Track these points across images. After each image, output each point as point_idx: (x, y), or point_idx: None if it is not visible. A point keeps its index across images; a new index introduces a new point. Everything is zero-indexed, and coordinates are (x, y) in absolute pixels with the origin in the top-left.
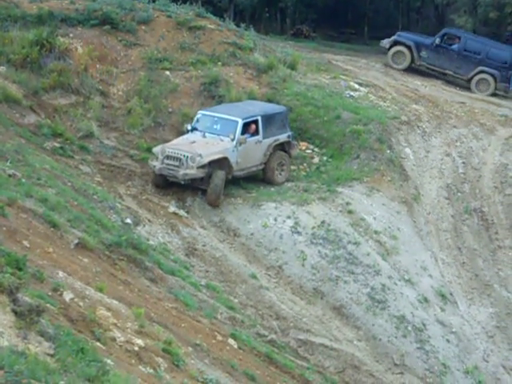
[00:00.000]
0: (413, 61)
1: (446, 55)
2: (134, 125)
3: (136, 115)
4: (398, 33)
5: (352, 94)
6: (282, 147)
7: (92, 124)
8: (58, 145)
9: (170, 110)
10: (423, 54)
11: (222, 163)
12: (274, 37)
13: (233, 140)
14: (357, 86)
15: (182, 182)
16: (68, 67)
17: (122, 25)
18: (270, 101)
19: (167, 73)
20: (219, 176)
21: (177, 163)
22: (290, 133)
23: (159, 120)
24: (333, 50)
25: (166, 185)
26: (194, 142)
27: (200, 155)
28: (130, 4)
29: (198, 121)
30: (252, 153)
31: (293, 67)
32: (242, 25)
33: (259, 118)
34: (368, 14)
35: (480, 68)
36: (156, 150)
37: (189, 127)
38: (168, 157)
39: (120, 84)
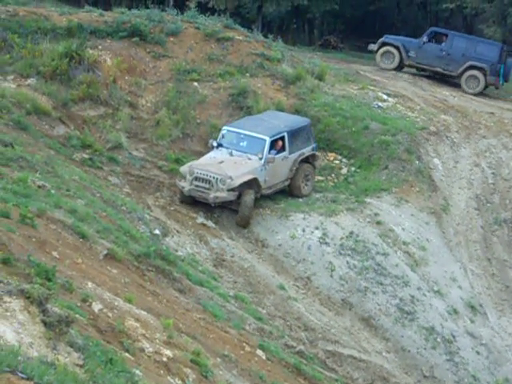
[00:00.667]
0: (401, 61)
1: (434, 53)
2: (163, 136)
3: (164, 126)
4: (386, 35)
5: (380, 104)
6: (307, 159)
7: (121, 135)
8: (86, 156)
9: (199, 121)
10: (411, 53)
11: (251, 184)
12: (301, 48)
13: (261, 159)
14: (385, 97)
15: (213, 205)
16: (97, 79)
17: (150, 37)
18: (297, 112)
19: (195, 84)
20: (249, 198)
21: (207, 185)
22: (314, 145)
23: (187, 131)
24: (361, 61)
25: (194, 202)
26: (222, 161)
27: (230, 177)
28: (158, 16)
29: (223, 137)
30: (279, 169)
31: (321, 78)
32: (270, 36)
33: (285, 134)
34: (396, 25)
35: (469, 63)
36: (183, 169)
37: (214, 143)
38: (197, 178)
39: (148, 95)
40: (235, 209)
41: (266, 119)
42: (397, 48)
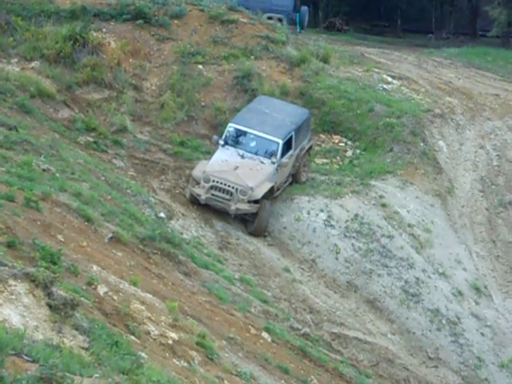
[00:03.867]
0: None
1: None
2: (167, 119)
3: (169, 109)
4: None
5: (385, 86)
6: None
7: (125, 118)
8: (91, 139)
9: (203, 103)
10: None
11: (267, 192)
12: (306, 30)
13: (274, 163)
14: (390, 79)
15: (232, 216)
16: (101, 62)
17: (154, 19)
18: (302, 94)
19: (200, 67)
20: (267, 208)
21: (227, 196)
22: (310, 135)
23: (192, 114)
24: (365, 43)
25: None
26: (236, 167)
27: (251, 188)
28: None
29: (229, 134)
30: (286, 169)
31: (325, 60)
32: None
33: (293, 133)
34: (401, 7)
35: (266, 15)
36: (197, 174)
37: (221, 142)
38: (215, 187)
39: (153, 78)
40: (250, 219)
41: (268, 112)
42: None
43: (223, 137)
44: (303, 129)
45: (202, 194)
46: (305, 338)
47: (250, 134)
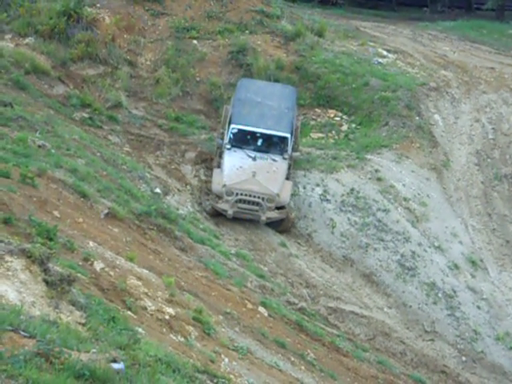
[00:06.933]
0: None
1: None
2: (162, 94)
3: (164, 85)
4: None
5: (380, 60)
6: None
7: (120, 94)
8: (86, 115)
9: (198, 79)
10: None
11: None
12: (301, 4)
13: (286, 159)
14: (385, 53)
15: (262, 224)
16: (95, 37)
17: None
18: (297, 68)
19: (195, 42)
20: (293, 209)
21: (255, 207)
22: (297, 111)
23: (187, 89)
24: (360, 17)
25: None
26: (254, 173)
27: (278, 195)
28: None
29: (233, 136)
30: None
31: (320, 34)
32: None
33: (293, 121)
34: None
35: None
36: (217, 189)
37: (227, 145)
38: (242, 200)
39: (148, 54)
40: (276, 221)
41: (261, 101)
42: None
43: (227, 139)
44: (296, 110)
45: (227, 209)
46: (301, 313)
47: (257, 132)
